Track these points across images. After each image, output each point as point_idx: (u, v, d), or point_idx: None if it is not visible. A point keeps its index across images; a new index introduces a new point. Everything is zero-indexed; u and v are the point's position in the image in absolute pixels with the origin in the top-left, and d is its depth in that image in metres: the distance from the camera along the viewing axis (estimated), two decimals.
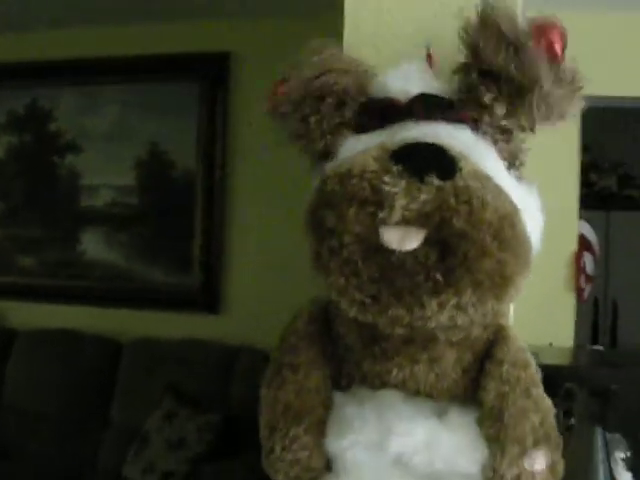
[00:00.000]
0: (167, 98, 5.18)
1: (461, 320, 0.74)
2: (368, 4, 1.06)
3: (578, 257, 4.62)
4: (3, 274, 5.63)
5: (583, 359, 4.06)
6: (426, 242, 0.72)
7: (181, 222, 5.19)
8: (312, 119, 0.87)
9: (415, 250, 0.72)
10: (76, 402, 4.93)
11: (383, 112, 0.85)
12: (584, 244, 4.76)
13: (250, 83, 4.89)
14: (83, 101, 5.42)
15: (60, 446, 4.82)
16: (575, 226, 4.64)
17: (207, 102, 5.10)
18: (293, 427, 0.84)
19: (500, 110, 0.85)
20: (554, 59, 0.88)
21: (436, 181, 0.73)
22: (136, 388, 4.79)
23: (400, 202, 0.72)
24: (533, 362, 0.85)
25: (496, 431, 0.79)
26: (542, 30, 0.88)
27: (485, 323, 0.81)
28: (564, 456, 2.14)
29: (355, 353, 0.85)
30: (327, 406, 0.84)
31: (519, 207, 0.78)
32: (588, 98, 3.85)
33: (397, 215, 0.72)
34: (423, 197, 0.72)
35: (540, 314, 4.44)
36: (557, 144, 4.54)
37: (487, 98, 0.85)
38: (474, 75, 0.86)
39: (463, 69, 0.87)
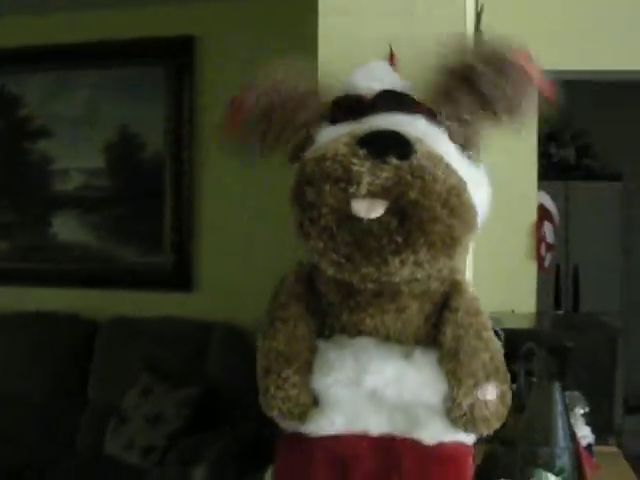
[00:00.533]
0: (135, 82, 5.27)
1: (420, 274, 0.90)
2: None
3: (538, 227, 4.76)
4: None
5: (543, 323, 4.21)
6: (388, 211, 0.87)
7: (152, 203, 5.29)
8: (276, 128, 1.03)
9: (379, 218, 0.88)
10: (54, 383, 5.03)
11: (352, 107, 1.00)
12: (544, 214, 4.90)
13: (215, 65, 5.00)
14: (52, 86, 5.51)
15: (39, 427, 4.91)
16: (535, 197, 4.77)
17: (173, 85, 5.20)
18: (284, 369, 1.00)
19: (467, 105, 0.99)
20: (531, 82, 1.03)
21: (395, 161, 0.88)
22: (113, 367, 4.89)
23: (366, 179, 0.87)
24: (483, 310, 1.01)
25: (453, 367, 0.95)
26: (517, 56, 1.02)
27: (441, 278, 0.96)
28: (527, 411, 2.29)
29: (335, 307, 1.01)
30: (313, 351, 1.01)
31: (466, 181, 0.93)
32: (548, 71, 3.99)
33: (363, 190, 0.87)
34: (384, 175, 0.87)
35: (502, 282, 4.59)
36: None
37: (458, 94, 0.99)
38: (454, 81, 1.00)
39: (445, 72, 1.01)
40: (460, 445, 1.01)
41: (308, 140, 1.00)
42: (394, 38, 1.08)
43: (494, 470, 2.27)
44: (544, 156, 6.79)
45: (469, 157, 1.01)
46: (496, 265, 4.62)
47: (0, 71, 5.63)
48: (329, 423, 1.01)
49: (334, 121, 1.01)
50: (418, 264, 0.89)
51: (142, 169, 5.31)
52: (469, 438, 1.01)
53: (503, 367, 0.99)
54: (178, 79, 5.18)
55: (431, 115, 1.00)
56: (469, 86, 0.99)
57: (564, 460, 2.19)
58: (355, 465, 0.99)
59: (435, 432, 0.98)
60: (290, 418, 1.03)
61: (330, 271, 0.94)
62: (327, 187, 0.91)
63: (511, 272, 4.66)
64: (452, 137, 1.00)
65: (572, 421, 2.90)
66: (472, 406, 0.96)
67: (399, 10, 1.08)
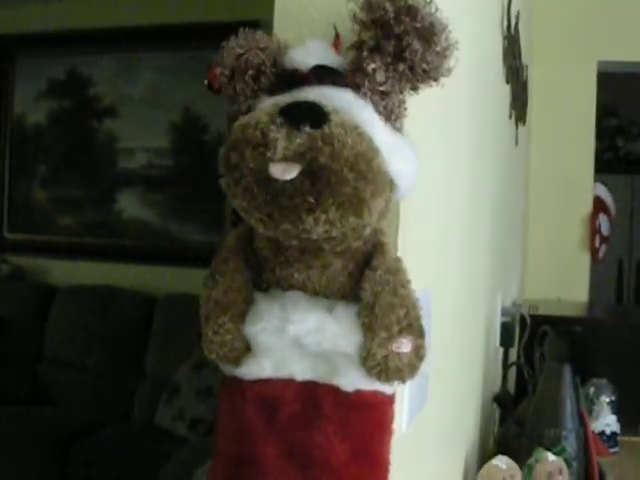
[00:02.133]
0: (199, 65, 5.37)
1: (334, 232, 0.98)
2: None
3: (593, 218, 4.77)
4: (44, 233, 5.92)
5: (593, 312, 4.22)
6: (301, 174, 0.95)
7: (213, 183, 5.30)
8: (237, 88, 1.12)
9: (293, 179, 0.96)
10: (113, 354, 5.20)
11: (287, 79, 1.09)
12: (600, 206, 4.90)
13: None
14: (120, 68, 5.68)
15: (97, 395, 5.11)
16: (590, 188, 4.78)
17: None
18: (220, 316, 1.09)
19: (380, 78, 1.07)
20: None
21: (308, 129, 0.96)
22: (169, 341, 5.03)
23: (281, 144, 0.96)
24: (404, 269, 1.07)
25: (369, 320, 1.02)
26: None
27: (364, 238, 1.05)
28: (537, 392, 2.33)
29: (269, 262, 1.09)
30: (247, 302, 1.09)
31: (379, 148, 1.01)
32: (617, 63, 3.98)
33: (279, 154, 0.96)
34: (298, 141, 0.96)
35: (556, 272, 4.62)
36: (575, 110, 4.71)
37: (370, 68, 1.07)
38: (364, 50, 1.07)
39: (355, 45, 1.08)
40: (378, 394, 1.07)
41: (250, 110, 1.08)
42: (342, 19, 1.16)
43: (506, 449, 2.32)
44: (611, 149, 6.76)
45: (394, 127, 1.08)
46: (550, 255, 4.66)
47: (71, 53, 5.80)
48: (258, 367, 1.09)
49: (272, 92, 1.10)
50: (330, 222, 0.97)
51: (205, 150, 5.43)
52: (388, 388, 1.08)
53: (418, 322, 1.05)
54: None
55: (358, 89, 1.07)
56: (382, 49, 1.05)
57: (569, 442, 2.24)
58: (281, 407, 1.08)
59: (353, 380, 1.05)
60: (226, 361, 1.12)
61: (258, 228, 1.03)
62: (248, 151, 0.99)
63: (565, 262, 4.68)
64: (377, 109, 1.07)
65: (596, 408, 2.95)
66: (386, 357, 1.03)
67: None
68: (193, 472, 3.11)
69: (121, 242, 5.68)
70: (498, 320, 2.82)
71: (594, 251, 4.80)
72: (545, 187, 4.73)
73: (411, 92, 1.10)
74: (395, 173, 1.04)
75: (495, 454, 2.14)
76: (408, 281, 1.07)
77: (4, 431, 4.64)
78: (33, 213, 5.96)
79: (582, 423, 2.30)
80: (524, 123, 3.76)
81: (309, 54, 1.11)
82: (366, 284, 1.04)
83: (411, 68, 1.06)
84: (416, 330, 1.05)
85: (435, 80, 1.08)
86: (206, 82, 1.22)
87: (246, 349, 1.09)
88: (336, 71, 1.09)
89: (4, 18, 5.91)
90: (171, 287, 5.25)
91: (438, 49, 1.05)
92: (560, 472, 2.05)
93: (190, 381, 4.59)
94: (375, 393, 1.06)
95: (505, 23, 2.72)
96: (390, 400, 1.10)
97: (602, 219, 4.88)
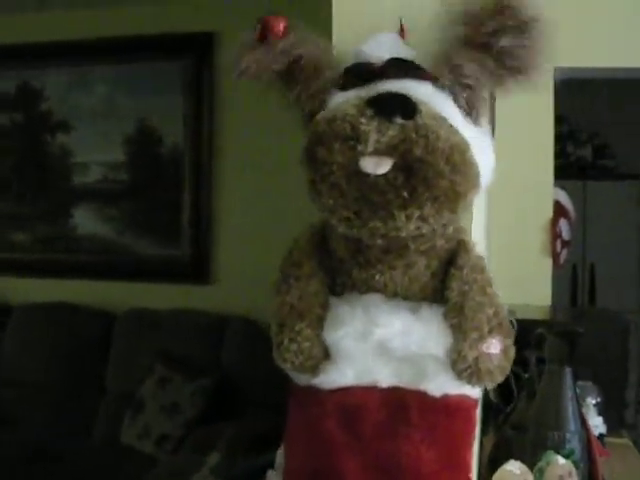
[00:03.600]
0: (154, 77, 5.33)
1: (425, 229, 0.94)
2: None
3: (554, 223, 4.78)
4: None
5: (557, 315, 4.23)
6: (394, 168, 0.92)
7: (170, 196, 5.34)
8: (298, 88, 1.08)
9: (386, 174, 0.92)
10: (72, 372, 5.10)
11: (361, 74, 1.05)
12: (560, 211, 4.92)
13: (233, 60, 5.03)
14: (73, 81, 5.57)
15: (57, 415, 4.98)
16: (551, 193, 4.78)
17: (192, 80, 5.25)
18: (297, 323, 1.05)
19: (467, 71, 1.03)
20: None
21: (400, 120, 0.93)
22: (130, 357, 4.95)
23: (373, 137, 0.92)
24: (487, 268, 1.04)
25: (458, 321, 0.99)
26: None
27: (447, 236, 1.01)
28: (538, 395, 2.32)
29: (345, 264, 1.05)
30: (324, 307, 1.05)
31: (468, 141, 0.97)
32: (565, 70, 4.01)
33: (371, 147, 0.92)
34: (390, 133, 0.92)
35: (518, 277, 4.61)
36: (532, 116, 4.72)
37: (458, 61, 1.03)
38: (453, 44, 1.03)
39: (444, 39, 1.04)
40: (465, 397, 1.04)
41: (322, 106, 1.04)
42: (406, 14, 1.13)
43: (505, 454, 2.30)
44: (561, 155, 6.81)
45: (474, 122, 1.04)
46: (512, 260, 4.65)
47: (22, 66, 5.69)
48: (340, 375, 1.05)
49: (344, 88, 1.06)
50: (423, 219, 0.94)
51: (161, 163, 5.36)
52: (474, 391, 1.04)
53: (506, 322, 1.02)
54: (197, 73, 5.23)
55: (437, 81, 1.04)
56: (478, 46, 1.02)
57: (574, 444, 2.23)
58: (365, 416, 1.04)
59: (441, 384, 1.02)
60: (303, 371, 1.08)
61: (341, 227, 0.99)
62: (337, 145, 0.95)
63: (527, 267, 4.68)
64: (457, 102, 1.03)
65: (584, 411, 2.94)
66: (477, 359, 1.00)
67: None
68: None
69: (77, 258, 5.58)
70: None
71: (556, 256, 4.81)
72: (505, 192, 4.72)
73: (498, 89, 1.07)
74: (480, 167, 1.00)
75: (494, 459, 2.11)
76: (492, 279, 1.04)
77: None
78: None
79: (584, 425, 2.29)
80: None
81: (381, 47, 1.08)
82: (453, 283, 1.01)
83: (500, 63, 1.03)
84: (505, 330, 1.02)
85: (524, 76, 1.05)
86: (258, 31, 1.15)
87: (324, 357, 1.05)
88: (413, 64, 1.06)
89: None
90: (129, 302, 5.18)
91: (528, 45, 1.02)
92: (570, 475, 2.04)
93: (155, 397, 4.52)
94: (462, 397, 1.03)
95: None
96: (475, 404, 1.07)
97: (563, 224, 4.89)
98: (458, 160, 0.94)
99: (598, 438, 2.87)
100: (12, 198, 5.76)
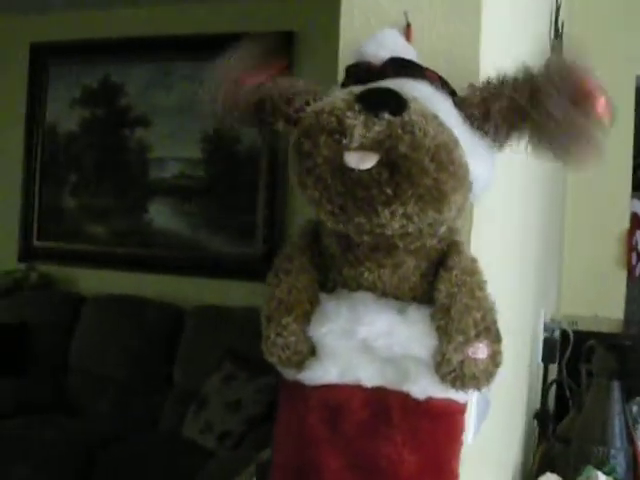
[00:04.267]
0: None
1: (410, 228, 0.93)
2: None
3: (630, 235, 4.69)
4: (73, 241, 5.90)
5: (629, 329, 4.14)
6: (379, 163, 0.91)
7: (245, 194, 5.38)
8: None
9: (370, 169, 0.91)
10: (140, 365, 5.16)
11: (360, 73, 1.05)
12: (637, 222, 4.82)
13: (312, 60, 5.03)
14: (153, 77, 5.66)
15: (124, 407, 5.07)
16: (627, 204, 4.70)
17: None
18: (284, 317, 1.05)
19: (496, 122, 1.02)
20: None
21: (387, 116, 0.92)
22: (197, 353, 4.99)
23: (358, 132, 0.91)
24: (480, 271, 1.02)
25: (444, 323, 0.97)
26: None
27: (438, 236, 0.99)
28: (584, 409, 2.27)
29: (336, 261, 1.04)
30: (313, 303, 1.05)
31: (458, 141, 0.95)
32: None
33: (356, 142, 0.91)
34: (377, 128, 0.91)
35: (591, 288, 4.54)
36: (613, 128, 4.64)
37: (493, 122, 1.02)
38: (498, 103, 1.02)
39: (494, 97, 1.03)
40: (451, 402, 1.02)
41: (315, 100, 1.04)
42: (412, 11, 1.12)
43: (550, 467, 2.26)
44: None
45: (481, 134, 1.02)
46: (586, 270, 4.58)
47: (105, 61, 5.79)
48: (324, 372, 1.05)
49: (343, 86, 1.06)
50: (407, 216, 0.92)
51: (237, 161, 5.39)
52: (460, 396, 1.02)
53: (495, 327, 0.99)
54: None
55: (437, 81, 1.03)
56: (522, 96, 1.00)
57: (618, 460, 2.17)
58: (348, 414, 1.03)
59: (424, 387, 1.00)
60: (289, 365, 1.08)
61: (328, 222, 0.98)
62: (322, 138, 0.95)
63: (601, 278, 4.60)
64: (466, 116, 1.02)
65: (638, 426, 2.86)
66: (462, 363, 0.97)
67: None
68: None
69: (151, 252, 5.66)
70: (541, 335, 2.75)
71: (631, 268, 4.71)
72: (581, 203, 4.65)
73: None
74: (472, 171, 0.98)
75: (539, 471, 2.08)
76: (485, 282, 1.02)
77: (30, 439, 4.61)
78: (62, 221, 5.95)
79: (631, 442, 2.23)
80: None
81: (381, 46, 1.07)
82: (441, 285, 0.99)
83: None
84: (493, 334, 0.99)
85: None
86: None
87: (310, 352, 1.04)
88: (413, 63, 1.05)
89: (37, 26, 5.93)
90: (200, 298, 5.23)
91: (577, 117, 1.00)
92: None
93: (219, 393, 4.55)
94: (448, 401, 1.01)
95: (553, 31, 2.68)
96: (462, 409, 1.04)
97: (639, 236, 4.80)
98: (444, 159, 0.92)
99: None
100: (91, 191, 5.87)
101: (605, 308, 4.37)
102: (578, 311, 4.03)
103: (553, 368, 2.95)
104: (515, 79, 1.03)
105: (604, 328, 3.63)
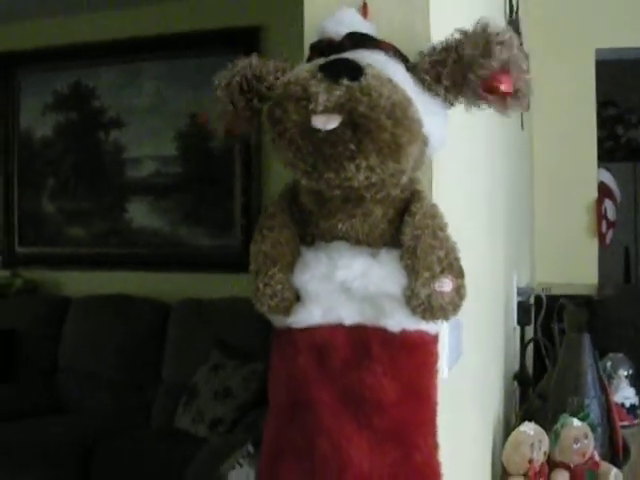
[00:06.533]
0: (203, 72, 5.43)
1: (374, 179, 1.05)
2: None
3: (599, 204, 4.81)
4: (55, 245, 5.99)
5: (600, 291, 4.26)
6: (342, 123, 1.03)
7: (221, 188, 5.47)
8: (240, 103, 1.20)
9: (335, 129, 1.04)
10: (129, 362, 5.23)
11: (322, 48, 1.18)
12: (605, 191, 4.94)
13: (280, 55, 5.12)
14: (124, 78, 5.74)
15: (116, 404, 5.16)
16: (594, 174, 4.82)
17: None
18: (270, 268, 1.17)
19: (445, 82, 1.14)
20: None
21: (346, 82, 1.05)
22: (185, 346, 5.07)
23: (322, 97, 1.04)
24: (441, 214, 1.14)
25: (411, 262, 1.09)
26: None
27: (401, 186, 1.12)
28: (558, 363, 2.38)
29: (313, 216, 1.16)
30: (295, 254, 1.17)
31: (411, 99, 1.08)
32: (615, 51, 4.03)
33: (320, 107, 1.04)
34: (337, 93, 1.04)
35: (564, 256, 4.67)
36: (575, 99, 4.76)
37: (443, 81, 1.14)
38: (444, 66, 1.15)
39: (439, 60, 1.15)
40: (423, 333, 1.14)
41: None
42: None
43: (531, 421, 2.37)
44: (612, 138, 6.81)
45: (432, 95, 1.15)
46: (559, 240, 4.70)
47: (75, 66, 5.87)
48: (308, 315, 1.16)
49: (309, 61, 1.18)
50: (370, 168, 1.04)
51: (211, 155, 5.49)
52: (431, 327, 1.14)
53: (457, 263, 1.12)
54: None
55: (390, 51, 1.15)
56: (457, 61, 1.13)
57: (592, 408, 2.29)
58: (333, 352, 1.14)
59: (399, 320, 1.12)
60: (277, 312, 1.19)
61: (303, 180, 1.10)
62: (291, 105, 1.07)
63: (572, 247, 4.72)
64: (419, 79, 1.14)
65: (615, 382, 2.99)
66: (429, 296, 1.09)
67: None
68: (219, 468, 3.14)
69: (132, 250, 5.75)
70: (515, 299, 2.87)
71: (601, 236, 4.83)
72: (550, 174, 4.77)
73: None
74: (427, 127, 1.11)
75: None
76: (445, 224, 1.14)
77: (24, 441, 4.68)
78: (43, 226, 6.03)
79: (603, 391, 2.35)
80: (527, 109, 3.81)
81: (340, 23, 1.19)
82: (406, 229, 1.11)
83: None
84: (456, 270, 1.11)
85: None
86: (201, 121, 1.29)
87: (295, 299, 1.16)
88: (368, 36, 1.17)
89: (6, 34, 5.99)
90: (184, 292, 5.31)
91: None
92: (585, 436, 2.10)
93: (208, 383, 4.62)
94: (420, 333, 1.13)
95: (507, 8, 2.78)
96: (434, 340, 1.16)
97: (607, 204, 4.92)
98: (399, 115, 1.05)
99: (630, 409, 2.92)
100: (69, 194, 5.94)
101: (579, 275, 4.50)
102: (553, 279, 4.16)
103: (529, 331, 3.07)
104: (457, 43, 1.15)
105: (580, 291, 3.75)
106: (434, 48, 1.17)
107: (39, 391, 5.37)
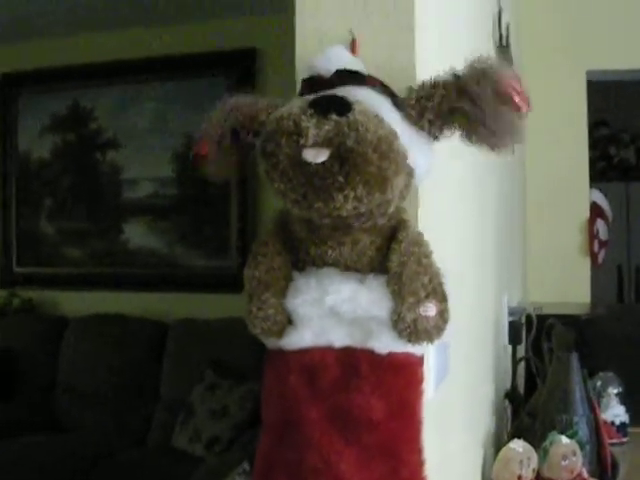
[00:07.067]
0: (199, 93, 5.50)
1: (362, 208, 1.12)
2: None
3: (591, 223, 4.86)
4: (53, 265, 6.04)
5: (597, 311, 4.30)
6: (331, 157, 1.10)
7: (218, 209, 5.52)
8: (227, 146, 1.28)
9: (324, 162, 1.10)
10: (126, 381, 5.27)
11: (313, 84, 1.24)
12: (597, 211, 5.00)
13: (275, 76, 5.18)
14: (121, 100, 5.81)
15: (113, 422, 5.17)
16: (587, 194, 4.87)
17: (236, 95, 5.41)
18: (264, 293, 1.23)
19: (428, 115, 1.21)
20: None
21: (335, 117, 1.11)
22: (182, 365, 5.11)
23: (312, 132, 1.11)
24: (426, 242, 1.20)
25: (398, 288, 1.15)
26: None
27: (388, 215, 1.18)
28: (547, 381, 2.43)
29: (304, 243, 1.22)
30: (287, 280, 1.23)
31: (397, 134, 1.14)
32: (606, 72, 4.09)
33: (311, 141, 1.11)
34: (327, 128, 1.11)
35: (557, 276, 4.72)
36: (566, 120, 4.82)
37: (426, 117, 1.20)
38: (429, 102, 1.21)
39: (427, 97, 1.21)
40: (409, 355, 1.20)
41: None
42: (356, 29, 1.32)
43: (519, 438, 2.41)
44: (604, 158, 6.88)
45: (418, 129, 1.21)
46: (550, 260, 4.75)
47: (72, 87, 5.93)
48: (300, 338, 1.22)
49: (301, 95, 1.24)
50: (358, 199, 1.10)
51: (208, 177, 5.52)
52: (417, 349, 1.20)
53: (441, 288, 1.18)
54: (240, 89, 5.36)
55: (377, 86, 1.22)
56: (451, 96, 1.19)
57: (580, 426, 2.34)
58: (323, 373, 1.20)
59: (386, 342, 1.18)
60: (270, 335, 1.25)
61: (294, 209, 1.16)
62: (283, 140, 1.13)
63: (565, 267, 4.77)
64: (400, 108, 1.20)
65: (605, 400, 3.04)
66: (415, 320, 1.15)
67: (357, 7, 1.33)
68: None
69: (129, 271, 5.80)
70: (506, 319, 2.91)
71: (594, 256, 4.89)
72: (542, 194, 4.82)
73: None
74: (412, 160, 1.17)
75: None
76: (430, 252, 1.20)
77: (22, 460, 4.70)
78: (41, 246, 6.08)
79: (592, 409, 2.39)
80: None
81: (329, 61, 1.25)
82: (393, 255, 1.17)
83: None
84: (440, 295, 1.17)
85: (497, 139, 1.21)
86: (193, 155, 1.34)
87: (287, 322, 1.21)
88: (356, 72, 1.23)
89: (4, 55, 6.07)
90: (180, 312, 5.35)
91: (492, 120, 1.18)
92: (574, 454, 2.15)
93: (204, 402, 4.67)
94: (406, 354, 1.19)
95: (497, 35, 2.83)
96: (420, 361, 1.22)
97: (599, 224, 4.97)
98: (385, 149, 1.11)
99: (620, 426, 2.96)
100: (67, 215, 6.00)
101: (572, 294, 4.55)
102: (546, 299, 4.21)
103: (521, 349, 3.11)
104: (445, 80, 1.22)
105: (571, 310, 3.80)
106: (423, 84, 1.23)
107: (37, 410, 5.39)
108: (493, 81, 1.18)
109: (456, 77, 1.21)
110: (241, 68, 5.38)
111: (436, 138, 1.24)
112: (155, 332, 5.33)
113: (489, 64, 1.21)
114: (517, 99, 1.18)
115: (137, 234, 5.78)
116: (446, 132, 1.23)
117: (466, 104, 1.18)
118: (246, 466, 1.61)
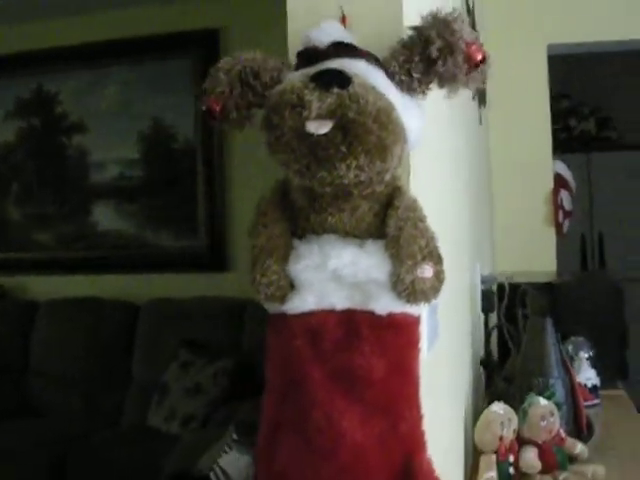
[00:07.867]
0: (164, 75, 5.53)
1: (363, 177, 1.16)
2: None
3: (555, 194, 4.95)
4: (22, 250, 6.05)
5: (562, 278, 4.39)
6: (333, 128, 1.14)
7: (185, 189, 5.55)
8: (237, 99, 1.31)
9: (327, 133, 1.14)
10: (99, 363, 5.32)
11: (309, 56, 1.29)
12: (560, 182, 5.08)
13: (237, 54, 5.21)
14: (86, 83, 5.81)
15: (87, 404, 5.23)
16: (550, 166, 4.96)
17: (201, 76, 5.42)
18: (266, 260, 1.26)
19: (415, 74, 1.26)
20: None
21: (336, 90, 1.16)
22: (154, 345, 5.16)
23: (315, 105, 1.15)
24: (421, 207, 1.26)
25: (396, 251, 1.20)
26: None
27: (385, 182, 1.23)
28: (522, 346, 2.50)
29: (304, 211, 1.27)
30: (288, 247, 1.27)
31: (394, 104, 1.20)
32: (567, 46, 4.17)
33: (314, 113, 1.15)
34: (329, 100, 1.15)
35: (524, 246, 4.81)
36: (528, 93, 4.90)
37: (413, 72, 1.26)
38: (411, 55, 1.26)
39: (405, 48, 1.27)
40: (407, 315, 1.25)
41: (277, 83, 1.27)
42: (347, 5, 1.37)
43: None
44: (565, 130, 6.97)
45: (409, 94, 1.27)
46: (517, 231, 4.83)
47: (36, 71, 5.93)
48: (302, 302, 1.25)
49: (296, 69, 1.29)
50: (359, 167, 1.15)
51: (174, 157, 5.56)
52: (414, 309, 1.25)
53: (437, 251, 1.23)
54: (204, 70, 5.39)
55: (370, 58, 1.27)
56: (422, 50, 1.25)
57: (557, 388, 2.41)
58: (325, 335, 1.24)
59: (385, 304, 1.23)
60: (273, 300, 1.28)
61: (296, 179, 1.21)
62: (287, 112, 1.17)
63: (531, 237, 4.86)
64: (391, 77, 1.26)
65: (576, 364, 3.12)
66: (413, 282, 1.20)
67: None
68: (197, 460, 3.21)
69: (99, 253, 5.82)
70: (479, 288, 2.98)
71: (558, 226, 4.97)
72: (507, 167, 4.90)
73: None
74: (407, 127, 1.23)
75: None
76: (425, 216, 1.25)
77: None
78: (9, 231, 6.07)
79: (567, 371, 2.46)
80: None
81: (325, 33, 1.30)
82: (390, 220, 1.22)
83: (440, 76, 1.25)
84: (436, 257, 1.23)
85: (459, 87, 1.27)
86: (205, 108, 1.38)
87: (290, 287, 1.26)
88: (350, 45, 1.29)
89: None
90: (152, 293, 5.39)
91: (463, 66, 1.24)
92: (552, 414, 2.22)
93: (179, 380, 4.71)
94: (404, 315, 1.24)
95: (464, 5, 2.89)
96: (417, 321, 1.28)
97: (563, 195, 5.06)
98: (384, 120, 1.17)
99: (592, 389, 3.04)
100: (34, 199, 6.00)
101: (538, 263, 4.65)
102: (514, 268, 4.29)
103: (493, 318, 3.18)
104: (412, 37, 1.27)
105: (540, 278, 3.88)
106: (396, 48, 1.28)
107: (10, 395, 5.41)
108: (452, 30, 1.24)
109: (420, 30, 1.27)
110: (205, 49, 5.39)
111: (424, 94, 1.30)
112: (126, 313, 5.36)
113: (449, 15, 1.26)
114: (472, 48, 1.25)
115: (105, 216, 5.79)
116: (431, 84, 1.30)
117: (433, 53, 1.24)
118: (234, 436, 1.64)
